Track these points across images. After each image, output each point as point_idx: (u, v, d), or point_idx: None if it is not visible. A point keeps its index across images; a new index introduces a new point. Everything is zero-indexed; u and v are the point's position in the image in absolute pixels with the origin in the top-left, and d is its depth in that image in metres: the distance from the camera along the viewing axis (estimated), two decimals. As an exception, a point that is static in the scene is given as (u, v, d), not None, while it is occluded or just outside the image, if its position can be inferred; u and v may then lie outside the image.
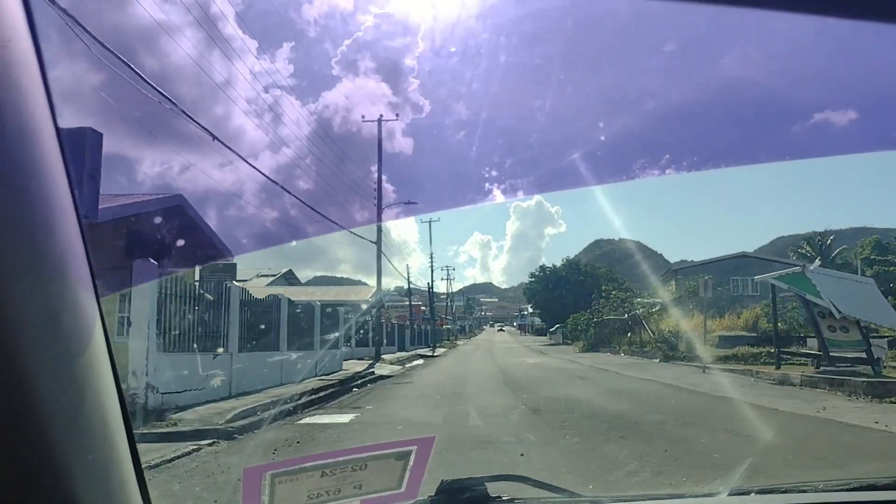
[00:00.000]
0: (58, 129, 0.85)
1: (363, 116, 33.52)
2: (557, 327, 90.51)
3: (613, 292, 42.75)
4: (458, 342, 68.54)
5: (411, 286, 54.16)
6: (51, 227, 0.83)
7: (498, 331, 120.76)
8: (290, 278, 60.73)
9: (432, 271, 61.57)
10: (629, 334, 31.36)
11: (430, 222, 55.35)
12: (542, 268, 63.26)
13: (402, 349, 41.33)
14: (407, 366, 27.89)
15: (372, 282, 66.67)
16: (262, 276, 59.14)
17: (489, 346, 51.05)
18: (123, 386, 1.05)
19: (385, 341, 36.37)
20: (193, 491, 5.78)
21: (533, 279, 64.03)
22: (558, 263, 62.94)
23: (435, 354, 39.29)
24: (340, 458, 1.28)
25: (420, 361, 32.32)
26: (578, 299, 57.08)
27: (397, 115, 28.45)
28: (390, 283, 55.12)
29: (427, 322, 57.67)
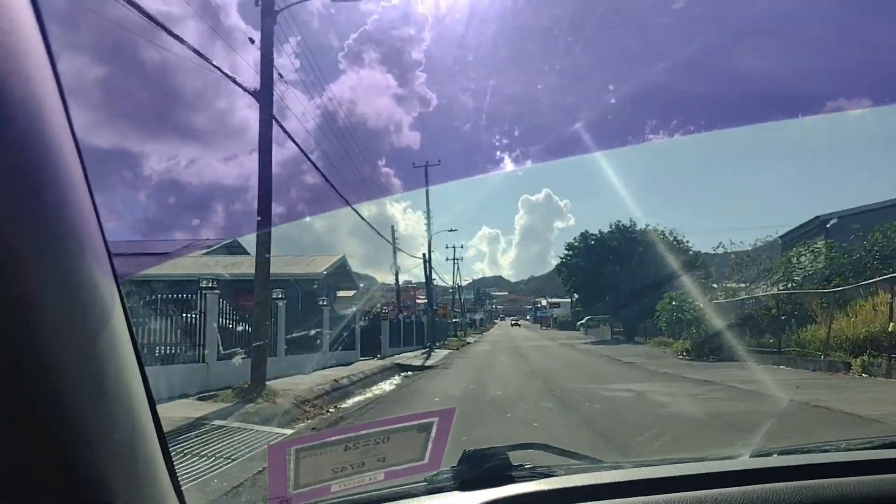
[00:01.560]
0: (67, 111, 0.85)
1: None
2: (588, 319, 73.22)
3: (733, 255, 25.86)
4: (469, 339, 51.76)
5: (399, 277, 37.36)
6: (66, 207, 0.83)
7: (513, 325, 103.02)
8: (234, 248, 44.51)
9: (429, 227, 43.00)
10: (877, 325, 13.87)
11: (426, 166, 38.36)
12: (584, 235, 45.75)
13: (374, 354, 24.51)
14: (336, 409, 11.02)
15: (381, 276, 48.25)
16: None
17: (514, 347, 34.14)
18: None
19: (331, 343, 19.60)
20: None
21: (570, 252, 46.62)
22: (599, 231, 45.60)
23: (429, 364, 22.35)
24: (363, 432, 1.27)
25: (387, 386, 15.47)
26: (638, 277, 40.21)
27: None
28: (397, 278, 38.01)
29: (426, 312, 40.41)
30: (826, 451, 1.62)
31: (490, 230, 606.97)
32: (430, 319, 36.95)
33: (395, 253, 34.27)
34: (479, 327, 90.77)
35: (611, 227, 44.49)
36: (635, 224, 43.77)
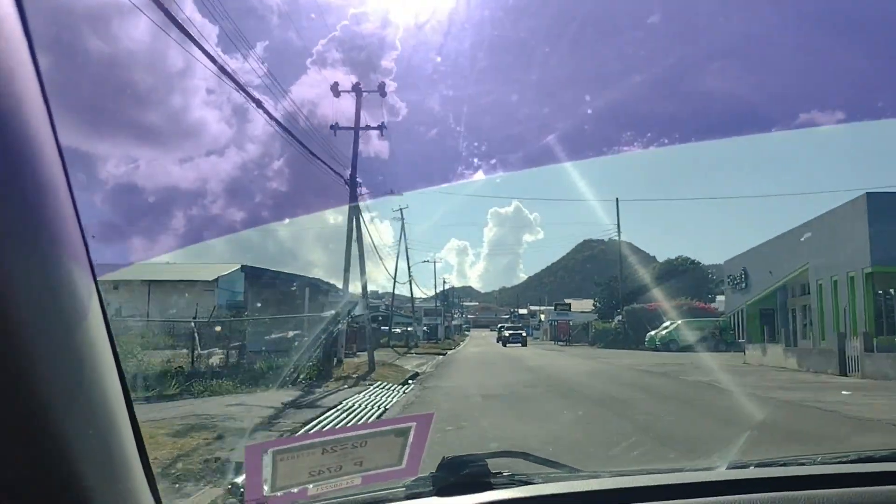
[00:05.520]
0: (49, 109, 0.85)
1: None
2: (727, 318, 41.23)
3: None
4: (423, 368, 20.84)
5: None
6: (44, 204, 0.83)
7: (509, 340, 52.51)
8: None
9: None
10: None
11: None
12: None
13: None
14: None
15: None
16: None
17: None
18: None
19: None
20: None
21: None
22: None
23: None
24: (341, 436, 1.27)
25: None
26: None
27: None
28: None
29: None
30: (802, 464, 1.64)
31: (459, 242, 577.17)
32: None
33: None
34: (446, 339, 60.84)
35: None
36: None
